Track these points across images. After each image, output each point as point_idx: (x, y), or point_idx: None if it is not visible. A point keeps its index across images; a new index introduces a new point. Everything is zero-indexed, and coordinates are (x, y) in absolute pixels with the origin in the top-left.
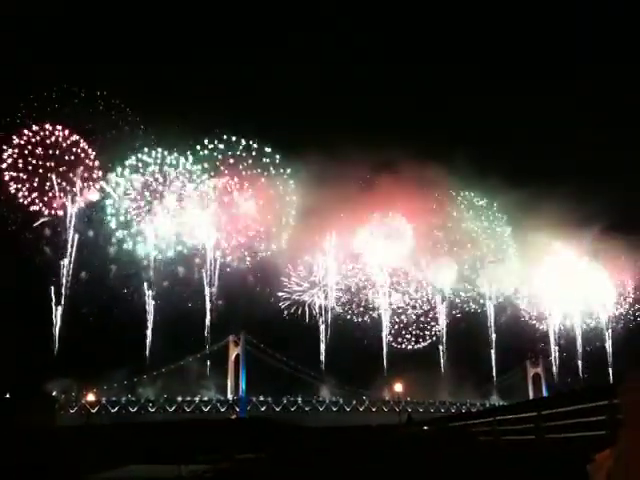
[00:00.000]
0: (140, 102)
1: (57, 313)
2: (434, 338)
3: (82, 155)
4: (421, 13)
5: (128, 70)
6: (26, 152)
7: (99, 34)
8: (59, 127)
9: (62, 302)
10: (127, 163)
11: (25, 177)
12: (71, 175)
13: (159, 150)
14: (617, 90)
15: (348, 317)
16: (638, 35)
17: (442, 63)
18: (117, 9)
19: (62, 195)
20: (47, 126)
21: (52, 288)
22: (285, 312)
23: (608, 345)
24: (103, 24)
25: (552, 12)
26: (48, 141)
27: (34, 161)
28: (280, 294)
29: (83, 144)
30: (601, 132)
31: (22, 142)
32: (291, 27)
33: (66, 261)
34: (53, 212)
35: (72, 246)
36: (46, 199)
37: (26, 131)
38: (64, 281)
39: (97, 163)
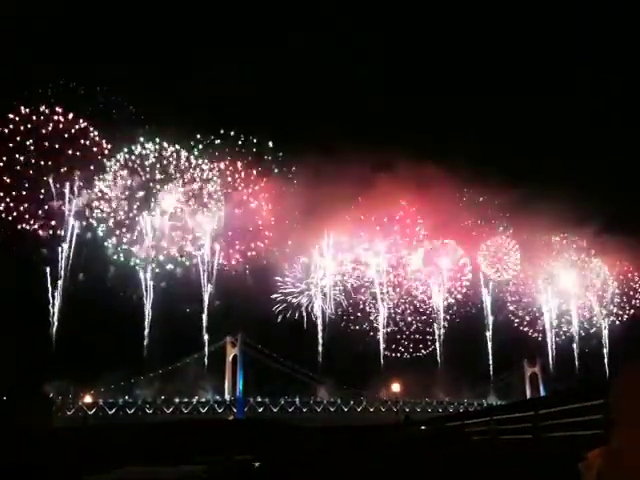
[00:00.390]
0: (140, 101)
1: (54, 314)
2: (434, 344)
3: (94, 149)
4: (421, 12)
5: (128, 70)
6: (11, 145)
7: (99, 34)
8: (59, 109)
9: (59, 303)
10: (128, 162)
11: (9, 181)
12: (75, 176)
13: (157, 140)
14: (617, 88)
15: (344, 319)
16: (638, 35)
17: (443, 62)
18: (117, 9)
19: (59, 201)
20: (43, 109)
21: (49, 289)
22: (281, 314)
23: (605, 342)
24: (103, 24)
25: (552, 12)
26: (44, 130)
27: (22, 158)
28: (276, 296)
29: (93, 134)
30: (601, 130)
31: (6, 131)
32: (291, 27)
33: (63, 262)
34: (50, 231)
35: (70, 247)
36: (40, 212)
37: (12, 115)
38: (61, 282)
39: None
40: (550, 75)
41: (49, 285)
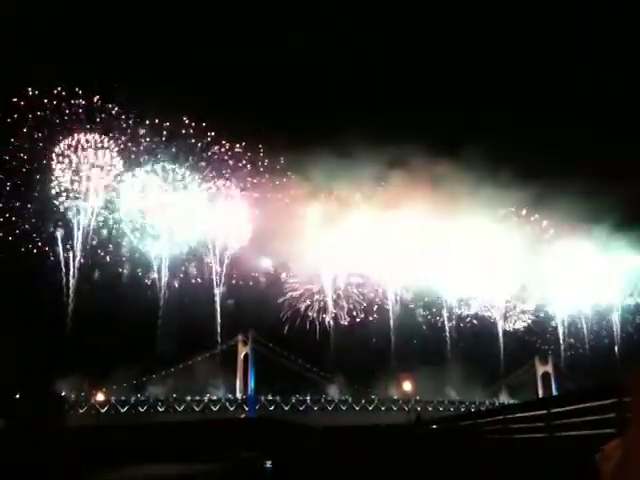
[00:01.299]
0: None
1: (68, 312)
2: (445, 343)
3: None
4: (422, 12)
5: (128, 70)
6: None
7: (99, 34)
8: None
9: (72, 300)
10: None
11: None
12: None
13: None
14: (617, 88)
15: (355, 317)
16: (638, 35)
17: (444, 62)
18: (117, 10)
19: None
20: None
21: (64, 287)
22: (289, 321)
23: (616, 339)
24: (103, 24)
25: (552, 12)
26: (57, 119)
27: (22, 156)
28: (285, 299)
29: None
30: (608, 129)
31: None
32: (291, 27)
33: (77, 260)
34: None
35: (87, 247)
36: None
37: (16, 99)
38: (73, 280)
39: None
40: (549, 75)
41: (62, 283)
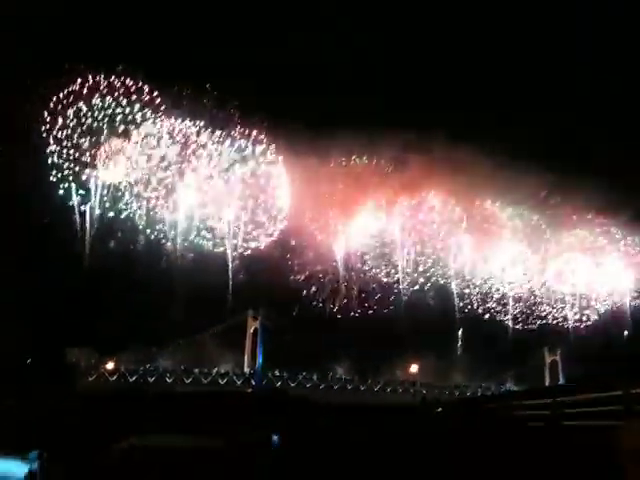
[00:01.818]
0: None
1: (79, 282)
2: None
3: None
4: (422, 12)
5: (128, 70)
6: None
7: (99, 34)
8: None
9: (85, 266)
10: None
11: None
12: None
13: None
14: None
15: (364, 298)
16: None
17: (446, 61)
18: (117, 10)
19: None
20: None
21: (77, 254)
22: (302, 290)
23: (628, 327)
24: (103, 24)
25: (552, 12)
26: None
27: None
28: (299, 274)
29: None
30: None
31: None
32: (291, 27)
33: (93, 229)
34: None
35: (102, 216)
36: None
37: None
38: (87, 250)
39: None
40: (549, 75)
41: (76, 252)
